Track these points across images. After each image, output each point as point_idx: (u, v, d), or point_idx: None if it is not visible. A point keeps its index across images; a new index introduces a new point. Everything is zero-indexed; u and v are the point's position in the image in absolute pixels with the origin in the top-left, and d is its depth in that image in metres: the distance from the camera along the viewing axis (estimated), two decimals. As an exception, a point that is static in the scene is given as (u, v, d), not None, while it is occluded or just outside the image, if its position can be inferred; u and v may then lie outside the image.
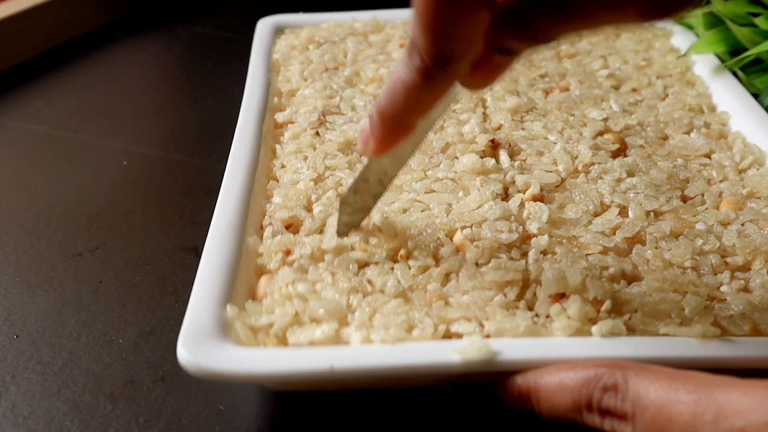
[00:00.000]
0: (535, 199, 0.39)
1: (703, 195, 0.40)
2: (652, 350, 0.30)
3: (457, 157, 0.43)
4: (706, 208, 0.39)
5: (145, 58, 0.73)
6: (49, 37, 0.70)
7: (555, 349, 0.30)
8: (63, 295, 0.42)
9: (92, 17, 0.74)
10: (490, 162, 0.42)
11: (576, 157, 0.43)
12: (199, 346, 0.30)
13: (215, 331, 0.31)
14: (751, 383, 0.25)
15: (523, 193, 0.40)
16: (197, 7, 0.81)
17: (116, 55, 0.72)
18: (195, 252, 0.35)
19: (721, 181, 0.42)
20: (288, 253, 0.36)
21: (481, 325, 0.32)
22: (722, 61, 0.53)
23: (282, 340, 0.32)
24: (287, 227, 0.38)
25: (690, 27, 0.58)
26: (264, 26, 0.61)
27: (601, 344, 0.31)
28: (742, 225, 0.38)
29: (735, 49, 0.54)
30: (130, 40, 0.74)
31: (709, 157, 0.44)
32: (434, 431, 0.34)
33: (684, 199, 0.40)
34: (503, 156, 0.43)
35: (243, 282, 0.35)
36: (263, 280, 0.35)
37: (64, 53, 0.70)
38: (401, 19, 0.62)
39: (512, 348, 0.30)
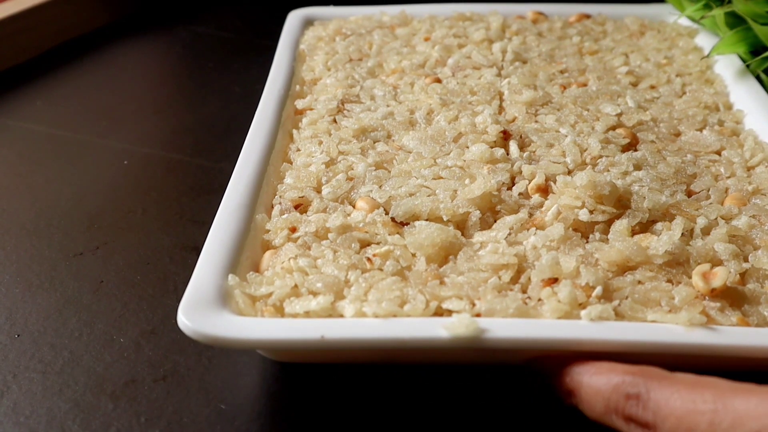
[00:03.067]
0: (539, 188, 0.40)
1: (708, 190, 0.40)
2: (637, 335, 0.31)
3: (468, 147, 0.43)
4: (711, 203, 0.39)
5: (145, 58, 0.73)
6: (49, 37, 0.70)
7: (542, 330, 0.31)
8: (64, 295, 0.42)
9: (92, 17, 0.74)
10: (499, 152, 0.42)
11: (585, 150, 0.43)
12: (199, 313, 0.32)
13: (216, 299, 0.33)
14: None
15: (529, 182, 0.40)
16: (197, 7, 0.81)
17: (116, 55, 0.72)
18: (196, 251, 0.35)
19: (728, 177, 0.42)
20: (293, 230, 0.38)
21: (473, 304, 0.33)
22: (744, 61, 0.53)
23: (279, 310, 0.33)
24: (296, 207, 0.40)
25: (713, 25, 0.58)
26: (294, 18, 0.62)
27: (587, 327, 0.31)
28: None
29: (756, 49, 0.54)
30: (130, 40, 0.74)
31: (719, 154, 0.44)
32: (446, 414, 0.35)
33: (689, 193, 0.40)
34: (513, 147, 0.43)
35: (248, 256, 0.36)
36: (267, 254, 0.37)
37: (64, 53, 0.70)
38: (429, 13, 0.63)
39: (500, 327, 0.31)
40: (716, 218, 0.38)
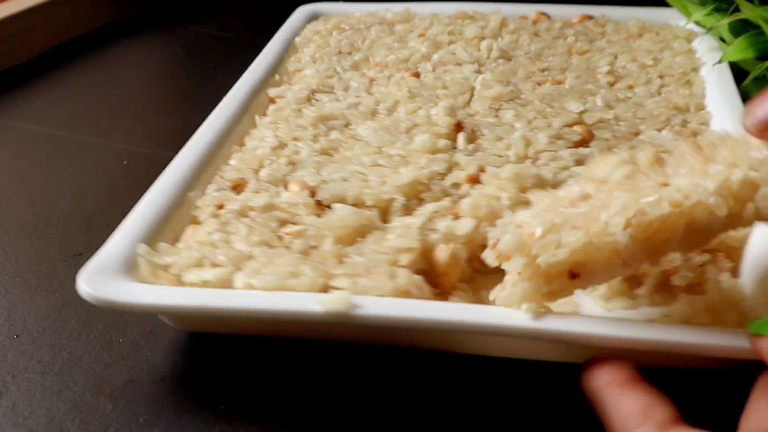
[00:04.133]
0: (470, 179, 0.40)
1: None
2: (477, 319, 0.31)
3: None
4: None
5: (145, 58, 0.73)
6: (49, 37, 0.70)
7: (414, 310, 0.31)
8: (63, 295, 0.41)
9: (92, 17, 0.75)
10: (443, 142, 0.43)
11: (530, 144, 0.43)
12: (99, 279, 0.33)
13: (122, 267, 0.34)
14: None
15: (462, 172, 0.40)
16: (197, 7, 0.81)
17: (116, 55, 0.72)
18: (194, 252, 0.35)
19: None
20: (220, 207, 0.39)
21: (358, 284, 0.33)
22: (749, 69, 0.52)
23: (179, 279, 0.35)
24: (234, 187, 0.41)
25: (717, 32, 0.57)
26: (300, 12, 0.64)
27: (451, 309, 0.32)
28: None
29: (764, 54, 0.52)
30: (130, 40, 0.75)
31: (672, 154, 0.44)
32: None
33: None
34: (460, 139, 0.44)
35: (174, 230, 0.38)
36: (189, 229, 0.38)
37: (64, 53, 0.70)
38: (431, 11, 0.63)
39: (373, 305, 0.31)
40: None
